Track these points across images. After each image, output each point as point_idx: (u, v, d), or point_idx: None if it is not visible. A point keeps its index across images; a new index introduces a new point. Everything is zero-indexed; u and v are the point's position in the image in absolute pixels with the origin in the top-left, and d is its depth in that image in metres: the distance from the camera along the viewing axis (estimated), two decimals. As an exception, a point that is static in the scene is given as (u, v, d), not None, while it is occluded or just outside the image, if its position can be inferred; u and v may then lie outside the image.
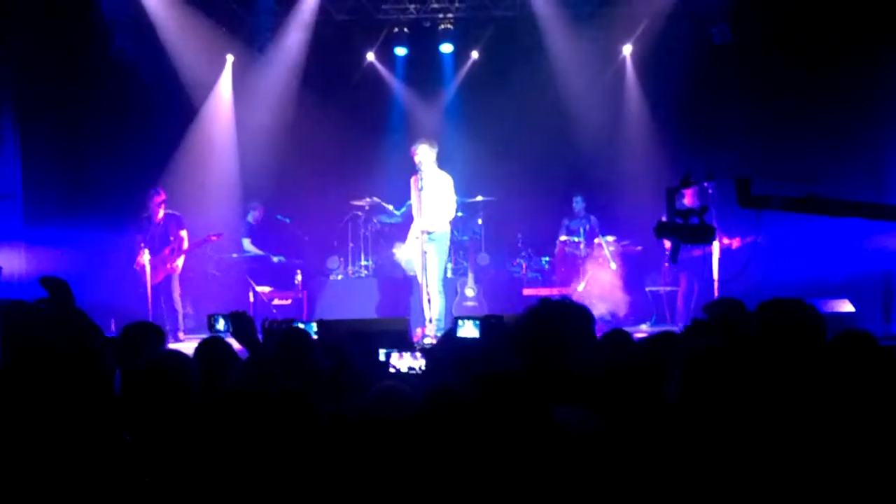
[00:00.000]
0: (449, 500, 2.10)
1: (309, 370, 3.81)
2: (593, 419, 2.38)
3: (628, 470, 2.19)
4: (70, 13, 9.81)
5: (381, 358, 4.11)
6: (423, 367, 3.95)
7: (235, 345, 4.04)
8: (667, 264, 9.78)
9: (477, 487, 2.04)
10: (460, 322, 4.48)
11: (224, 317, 4.19)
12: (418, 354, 3.89)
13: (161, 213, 9.41)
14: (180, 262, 9.45)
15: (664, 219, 3.51)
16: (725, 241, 8.52)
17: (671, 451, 2.22)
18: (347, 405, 3.12)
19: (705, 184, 4.34)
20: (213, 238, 9.64)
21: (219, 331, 4.27)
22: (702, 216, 3.38)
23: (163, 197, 9.48)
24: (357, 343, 4.26)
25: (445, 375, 3.29)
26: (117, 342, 3.79)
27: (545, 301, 2.83)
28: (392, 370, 3.94)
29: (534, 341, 2.73)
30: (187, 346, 6.69)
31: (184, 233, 9.42)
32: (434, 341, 7.54)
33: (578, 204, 10.73)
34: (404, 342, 4.85)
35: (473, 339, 4.30)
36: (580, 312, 2.80)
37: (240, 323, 3.94)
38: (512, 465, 2.04)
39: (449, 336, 4.46)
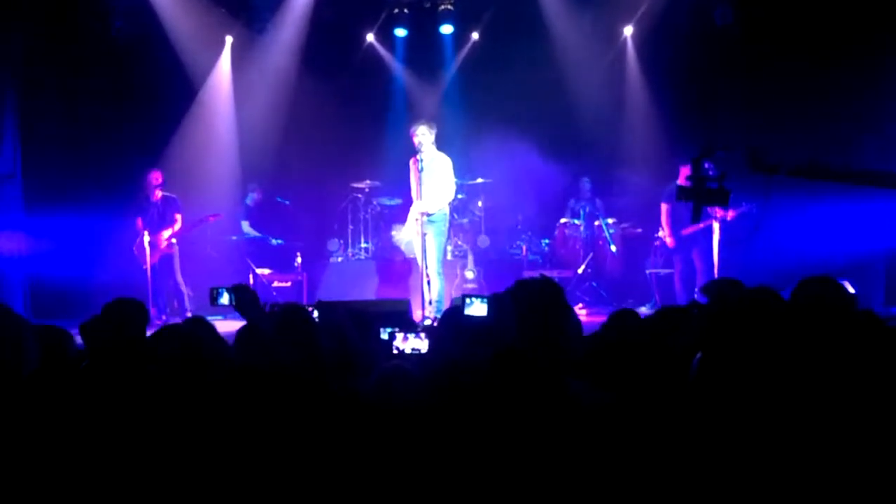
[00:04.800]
0: (465, 478, 2.10)
1: (311, 349, 3.79)
2: (602, 393, 2.39)
3: (638, 441, 2.20)
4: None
5: (384, 337, 4.09)
6: (426, 348, 3.93)
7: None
8: (657, 243, 9.79)
9: (494, 463, 2.05)
10: (468, 300, 4.47)
11: (227, 290, 4.16)
12: (422, 335, 3.88)
13: (158, 195, 9.43)
14: (175, 244, 9.47)
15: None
16: (720, 213, 8.52)
17: (681, 422, 2.23)
18: (352, 385, 3.12)
19: (705, 163, 4.57)
20: (211, 218, 9.64)
21: (222, 304, 4.23)
22: (721, 182, 3.77)
23: (160, 178, 9.50)
24: (357, 324, 4.24)
25: (450, 355, 3.29)
26: (100, 320, 3.73)
27: (519, 281, 3.13)
28: (395, 351, 3.93)
29: (521, 318, 2.87)
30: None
31: (178, 216, 9.44)
32: (433, 323, 7.53)
33: (585, 185, 10.71)
34: (406, 323, 4.84)
35: (481, 318, 4.30)
36: (551, 286, 3.04)
37: (243, 296, 3.92)
38: (530, 439, 2.04)
39: (452, 315, 4.44)
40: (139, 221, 9.36)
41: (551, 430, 2.09)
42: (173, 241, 9.42)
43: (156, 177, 9.49)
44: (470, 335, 3.66)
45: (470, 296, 4.16)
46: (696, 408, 2.29)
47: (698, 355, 2.64)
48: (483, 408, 2.16)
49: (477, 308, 4.27)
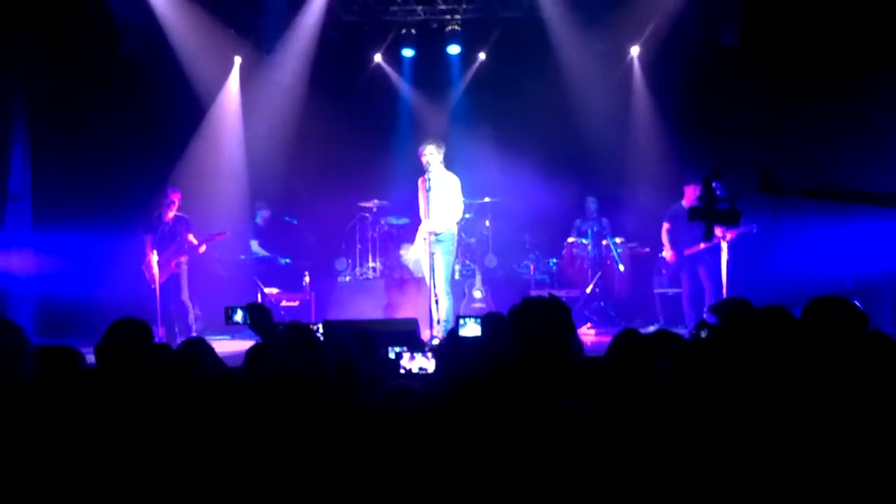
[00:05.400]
0: (461, 493, 2.11)
1: (316, 367, 3.80)
2: (596, 411, 2.40)
3: (630, 460, 2.21)
4: (80, 15, 9.84)
5: (391, 356, 4.10)
6: (433, 368, 3.94)
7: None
8: (664, 271, 9.82)
9: (486, 480, 2.06)
10: (462, 321, 4.50)
11: (242, 308, 4.20)
12: (429, 354, 3.89)
13: (172, 213, 9.35)
14: (184, 262, 9.39)
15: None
16: (718, 233, 8.55)
17: (665, 442, 2.23)
18: (357, 402, 3.13)
19: (713, 184, 4.66)
20: (218, 237, 9.54)
21: (236, 322, 4.27)
22: (733, 202, 3.80)
23: (178, 197, 9.39)
24: (363, 343, 4.25)
25: (455, 374, 3.30)
26: (104, 338, 3.75)
27: (527, 299, 3.08)
28: (402, 371, 3.94)
29: (522, 337, 2.89)
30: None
31: (191, 237, 9.35)
32: (441, 342, 7.54)
33: (592, 205, 10.73)
34: (414, 343, 4.85)
35: (477, 337, 4.32)
36: (558, 306, 3.04)
37: (257, 314, 3.94)
38: (519, 457, 2.06)
39: (452, 335, 4.46)
40: (148, 239, 9.29)
41: (544, 447, 2.10)
42: (183, 260, 9.35)
43: (177, 196, 9.38)
44: (470, 354, 3.68)
45: (464, 317, 4.18)
46: (696, 426, 2.29)
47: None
48: (478, 424, 2.18)
49: (471, 329, 4.31)
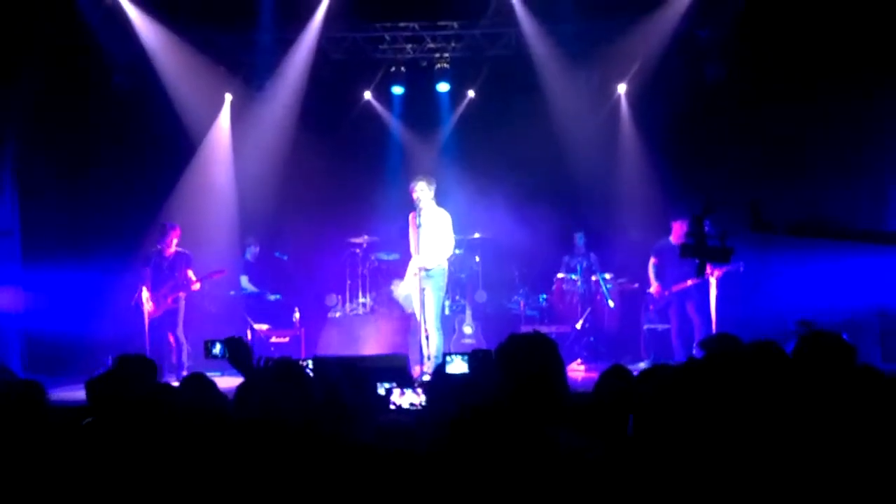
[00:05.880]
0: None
1: (304, 403, 3.79)
2: (591, 443, 2.41)
3: (622, 492, 2.21)
4: (71, 50, 9.90)
5: (381, 392, 4.10)
6: (423, 403, 3.94)
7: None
8: (652, 306, 9.86)
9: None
10: (448, 358, 4.50)
11: (221, 342, 4.19)
12: (419, 390, 3.89)
13: (173, 248, 9.34)
14: (182, 298, 9.36)
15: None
16: (707, 270, 8.58)
17: (652, 476, 2.24)
18: (347, 438, 3.12)
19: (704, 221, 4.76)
20: (216, 275, 9.52)
21: (215, 356, 4.26)
22: (723, 240, 3.86)
23: (178, 232, 9.40)
24: (353, 379, 4.24)
25: (445, 410, 3.30)
26: (111, 374, 3.75)
27: (513, 336, 3.07)
28: (392, 406, 3.93)
29: (510, 373, 2.91)
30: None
31: (191, 273, 9.32)
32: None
33: (579, 240, 10.77)
34: (404, 378, 4.85)
35: (464, 374, 4.33)
36: (544, 342, 3.02)
37: (236, 348, 3.93)
38: (517, 492, 2.06)
39: (439, 372, 4.47)
40: (147, 271, 9.24)
41: (540, 481, 2.11)
42: (181, 295, 9.32)
43: (177, 233, 9.38)
44: (458, 391, 3.69)
45: (451, 354, 4.19)
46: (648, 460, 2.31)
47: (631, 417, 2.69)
48: (474, 461, 2.19)
49: (457, 366, 4.32)
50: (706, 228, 4.02)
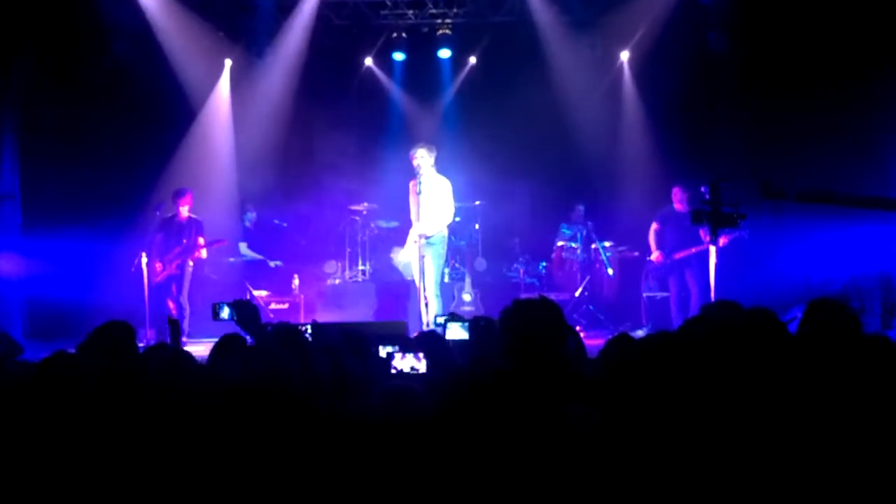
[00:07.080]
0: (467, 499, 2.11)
1: (306, 369, 3.79)
2: (596, 415, 2.41)
3: (631, 464, 2.21)
4: (70, 16, 9.82)
5: (382, 355, 4.11)
6: (424, 368, 3.93)
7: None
8: (652, 275, 9.86)
9: (493, 486, 2.06)
10: (448, 324, 4.47)
11: (229, 305, 4.20)
12: (421, 355, 3.88)
13: (185, 214, 9.35)
14: (189, 265, 9.36)
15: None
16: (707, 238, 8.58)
17: (664, 446, 2.24)
18: (351, 405, 3.12)
19: (702, 188, 4.74)
20: (217, 244, 9.56)
21: (223, 319, 4.27)
22: (737, 207, 3.99)
23: (191, 198, 9.41)
24: (353, 345, 4.24)
25: (448, 375, 3.30)
26: (89, 342, 3.71)
27: (517, 301, 3.05)
28: (394, 370, 3.94)
29: (514, 339, 2.88)
30: (189, 348, 6.65)
31: (201, 240, 9.32)
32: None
33: (579, 210, 10.76)
34: (405, 343, 4.86)
35: (463, 341, 4.33)
36: (550, 307, 3.01)
37: (244, 311, 3.94)
38: (528, 461, 2.06)
39: (435, 336, 4.45)
40: (159, 237, 9.27)
41: (541, 451, 2.11)
42: (190, 262, 9.33)
43: (190, 198, 9.40)
44: (455, 355, 3.70)
45: (449, 319, 4.17)
46: (694, 428, 2.30)
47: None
48: (484, 428, 2.18)
49: (455, 332, 4.30)
50: (705, 195, 4.04)
